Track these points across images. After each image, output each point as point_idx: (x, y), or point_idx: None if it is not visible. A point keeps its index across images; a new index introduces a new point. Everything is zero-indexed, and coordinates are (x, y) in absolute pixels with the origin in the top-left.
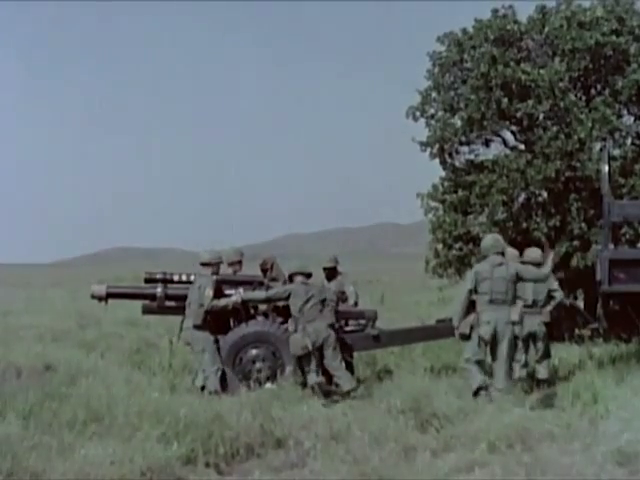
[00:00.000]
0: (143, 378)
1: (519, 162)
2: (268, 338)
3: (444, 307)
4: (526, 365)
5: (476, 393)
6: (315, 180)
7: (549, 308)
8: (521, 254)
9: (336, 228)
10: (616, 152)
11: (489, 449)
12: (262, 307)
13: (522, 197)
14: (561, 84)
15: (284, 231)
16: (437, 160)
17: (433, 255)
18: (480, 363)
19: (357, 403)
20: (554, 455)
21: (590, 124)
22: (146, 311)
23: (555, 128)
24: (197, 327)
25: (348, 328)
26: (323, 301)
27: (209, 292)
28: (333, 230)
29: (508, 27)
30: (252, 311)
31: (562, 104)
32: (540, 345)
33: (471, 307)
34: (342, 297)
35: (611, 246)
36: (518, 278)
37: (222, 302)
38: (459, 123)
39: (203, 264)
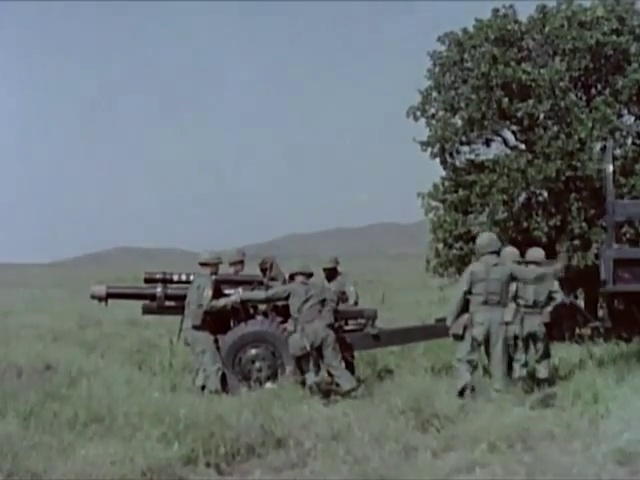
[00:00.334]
0: (144, 378)
1: (520, 162)
2: (267, 338)
3: (445, 306)
4: (526, 365)
5: (461, 393)
6: (315, 180)
7: (549, 309)
8: (522, 254)
9: (337, 228)
10: (617, 152)
11: (490, 449)
12: (262, 307)
13: (523, 197)
14: (562, 84)
15: (285, 231)
16: (438, 160)
17: (434, 254)
18: (470, 362)
19: (358, 403)
20: (554, 455)
21: (590, 124)
22: (146, 311)
23: (556, 128)
24: (196, 327)
25: (348, 327)
26: (322, 301)
27: (208, 292)
28: (334, 230)
29: (509, 27)
30: (252, 311)
31: (563, 104)
32: (540, 345)
33: (465, 307)
34: (342, 297)
35: (615, 245)
36: (513, 278)
37: (221, 302)
38: (460, 123)
39: (202, 264)
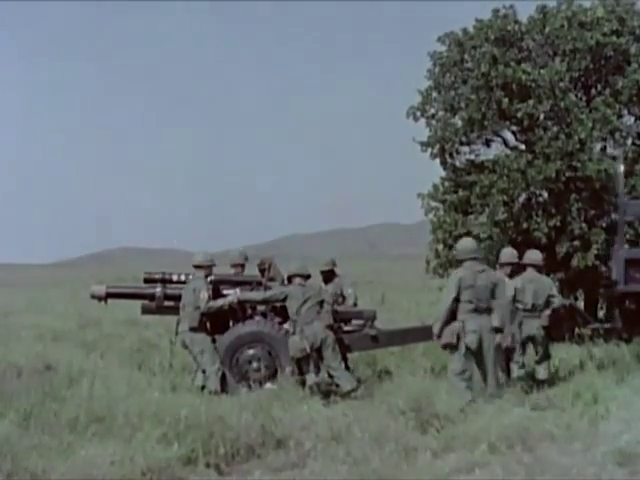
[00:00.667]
0: (143, 378)
1: (520, 162)
2: (264, 338)
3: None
4: (523, 366)
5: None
6: (316, 180)
7: (548, 312)
8: (522, 255)
9: (336, 228)
10: (616, 152)
11: (489, 449)
12: (261, 307)
13: (523, 197)
14: (562, 84)
15: (285, 232)
16: (438, 160)
17: (434, 255)
18: (464, 374)
19: (357, 403)
20: (554, 455)
21: (590, 124)
22: (145, 311)
23: (555, 128)
24: (193, 329)
25: (347, 328)
26: (321, 303)
27: (204, 294)
28: (334, 230)
29: (509, 27)
30: (250, 311)
31: (562, 104)
32: (540, 348)
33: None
34: (338, 300)
35: (626, 246)
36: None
37: (218, 302)
38: (460, 123)
39: (196, 266)
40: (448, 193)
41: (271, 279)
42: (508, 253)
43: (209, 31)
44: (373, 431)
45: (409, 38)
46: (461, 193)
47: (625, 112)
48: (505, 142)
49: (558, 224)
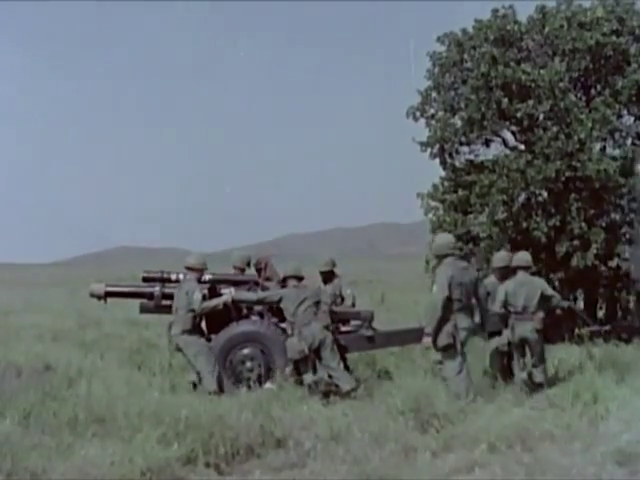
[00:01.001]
0: (143, 378)
1: (519, 162)
2: (258, 338)
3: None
4: (524, 369)
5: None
6: (315, 180)
7: (540, 314)
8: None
9: (336, 228)
10: (616, 152)
11: (489, 449)
12: (258, 307)
13: (522, 197)
14: (561, 84)
15: (285, 231)
16: (437, 160)
17: (433, 255)
18: (461, 373)
19: (357, 403)
20: (554, 455)
21: (590, 124)
22: (143, 310)
23: (555, 128)
24: (187, 332)
25: (346, 329)
26: (317, 303)
27: (198, 295)
28: (333, 230)
29: (508, 27)
30: (247, 311)
31: (562, 104)
32: (534, 351)
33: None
34: (337, 300)
35: None
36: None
37: (212, 302)
38: (459, 123)
39: (188, 268)
40: (448, 193)
41: (268, 279)
42: (501, 257)
43: (209, 31)
44: (373, 431)
45: (409, 38)
46: (461, 193)
47: (625, 112)
48: (505, 142)
49: (558, 224)
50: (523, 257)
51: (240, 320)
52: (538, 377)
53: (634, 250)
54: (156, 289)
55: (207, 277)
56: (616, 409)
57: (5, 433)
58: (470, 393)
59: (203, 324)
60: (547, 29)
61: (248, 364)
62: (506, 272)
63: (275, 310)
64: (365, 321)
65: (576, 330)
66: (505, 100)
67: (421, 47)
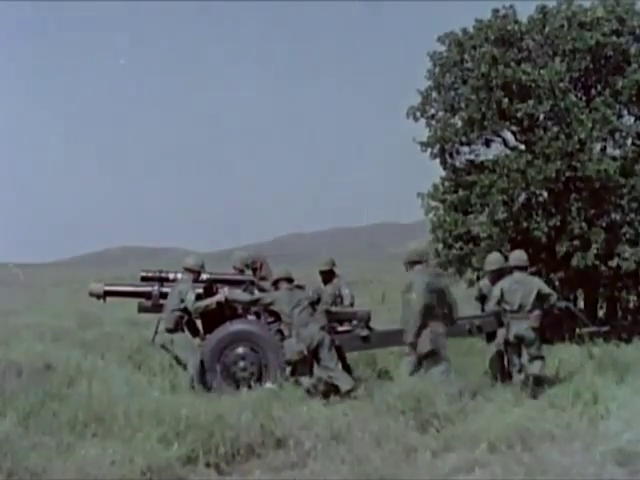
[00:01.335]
0: (143, 378)
1: (519, 162)
2: (250, 337)
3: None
4: (521, 370)
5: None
6: (316, 180)
7: (537, 313)
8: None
9: (337, 227)
10: (616, 152)
11: (489, 449)
12: (254, 307)
13: (522, 197)
14: (561, 84)
15: (285, 231)
16: (438, 160)
17: (433, 255)
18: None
19: (357, 403)
20: (554, 455)
21: (590, 124)
22: (141, 309)
23: (555, 128)
24: (170, 331)
25: (343, 328)
26: (312, 304)
27: (191, 296)
28: (334, 230)
29: (509, 27)
30: (244, 311)
31: (562, 104)
32: (531, 350)
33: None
34: (337, 300)
35: None
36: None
37: (205, 302)
38: (460, 123)
39: (186, 269)
40: (448, 193)
41: (262, 278)
42: (494, 259)
43: (210, 30)
44: (373, 431)
45: (409, 38)
46: (461, 193)
47: (625, 112)
48: (505, 142)
49: (558, 224)
50: (520, 256)
51: (234, 319)
52: (533, 368)
53: None
54: (154, 288)
55: (205, 277)
56: (616, 409)
57: (5, 433)
58: (465, 394)
59: (199, 323)
60: (547, 29)
61: (241, 363)
62: (499, 275)
63: (272, 310)
64: (361, 321)
65: (576, 330)
66: (505, 100)
67: (422, 47)
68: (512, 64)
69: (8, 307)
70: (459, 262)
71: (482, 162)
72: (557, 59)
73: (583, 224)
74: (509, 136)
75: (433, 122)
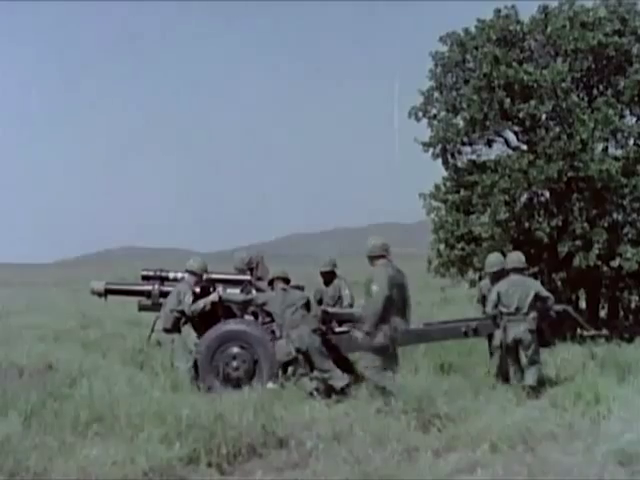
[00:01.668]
0: (145, 378)
1: (521, 162)
2: (242, 337)
3: (446, 307)
4: (517, 372)
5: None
6: (317, 180)
7: (533, 315)
8: (525, 254)
9: (338, 228)
10: (618, 152)
11: (491, 449)
12: (252, 307)
13: (524, 197)
14: (563, 84)
15: (287, 231)
16: (439, 160)
17: (435, 255)
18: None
19: (359, 403)
20: (556, 455)
21: (592, 124)
22: (141, 308)
23: (557, 128)
24: (166, 330)
25: (343, 329)
26: (306, 306)
27: (189, 298)
28: (335, 230)
29: (510, 27)
30: (242, 311)
31: (564, 104)
32: (528, 352)
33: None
34: (338, 301)
35: None
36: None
37: (200, 304)
38: (461, 123)
39: (189, 271)
40: (450, 193)
41: (259, 278)
42: (494, 261)
43: (210, 30)
44: (375, 431)
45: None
46: (463, 193)
47: (627, 112)
48: (507, 142)
49: (560, 224)
50: (517, 258)
51: (228, 319)
52: (529, 379)
53: None
54: (154, 287)
55: (204, 277)
56: (618, 409)
57: (7, 433)
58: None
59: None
60: (549, 29)
61: (233, 363)
62: (500, 275)
63: (267, 310)
64: (358, 322)
65: (578, 330)
66: (507, 100)
67: (424, 47)
68: (514, 64)
69: (10, 307)
70: (461, 262)
71: (484, 162)
72: (559, 59)
73: (585, 224)
74: (511, 136)
75: (435, 122)
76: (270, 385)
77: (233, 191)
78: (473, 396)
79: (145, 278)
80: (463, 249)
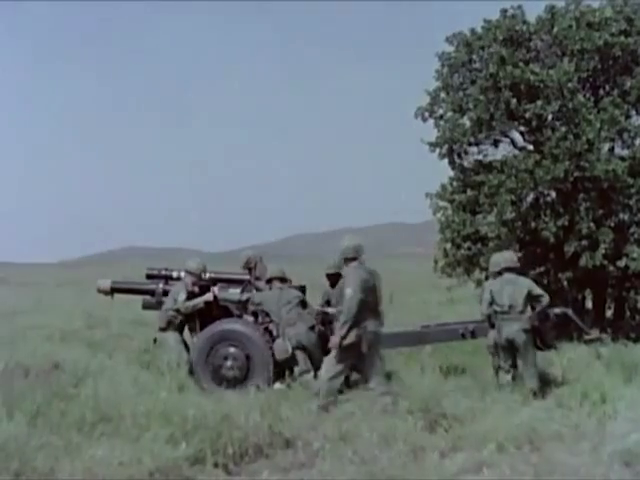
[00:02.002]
0: (151, 378)
1: (528, 162)
2: (237, 336)
3: (453, 307)
4: (509, 372)
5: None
6: (323, 180)
7: (528, 314)
8: (531, 253)
9: (344, 228)
10: (624, 152)
11: (497, 449)
12: (251, 307)
13: (531, 197)
14: (570, 84)
15: (292, 231)
16: (446, 160)
17: (442, 255)
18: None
19: (365, 404)
20: (562, 455)
21: (598, 124)
22: (146, 306)
23: (564, 128)
24: (162, 329)
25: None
26: (302, 304)
27: (182, 296)
28: (341, 230)
29: (517, 27)
30: (240, 311)
31: (571, 105)
32: (522, 353)
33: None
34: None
35: None
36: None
37: (194, 302)
38: (468, 123)
39: (187, 271)
40: (456, 193)
41: (257, 278)
42: (499, 260)
43: (210, 28)
44: (381, 431)
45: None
46: (469, 193)
47: (633, 112)
48: (513, 142)
49: (566, 224)
50: (509, 257)
51: (224, 319)
52: (529, 383)
53: None
54: (159, 286)
55: (206, 276)
56: (624, 409)
57: (13, 433)
58: (330, 397)
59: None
60: (556, 29)
61: (228, 362)
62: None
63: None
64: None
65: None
66: (514, 100)
67: (430, 47)
68: (520, 64)
69: (15, 307)
70: (467, 262)
71: (490, 162)
72: (565, 59)
73: (591, 224)
74: (517, 136)
75: (441, 122)
76: (277, 386)
77: (237, 191)
78: (479, 396)
79: (150, 277)
80: (469, 249)
